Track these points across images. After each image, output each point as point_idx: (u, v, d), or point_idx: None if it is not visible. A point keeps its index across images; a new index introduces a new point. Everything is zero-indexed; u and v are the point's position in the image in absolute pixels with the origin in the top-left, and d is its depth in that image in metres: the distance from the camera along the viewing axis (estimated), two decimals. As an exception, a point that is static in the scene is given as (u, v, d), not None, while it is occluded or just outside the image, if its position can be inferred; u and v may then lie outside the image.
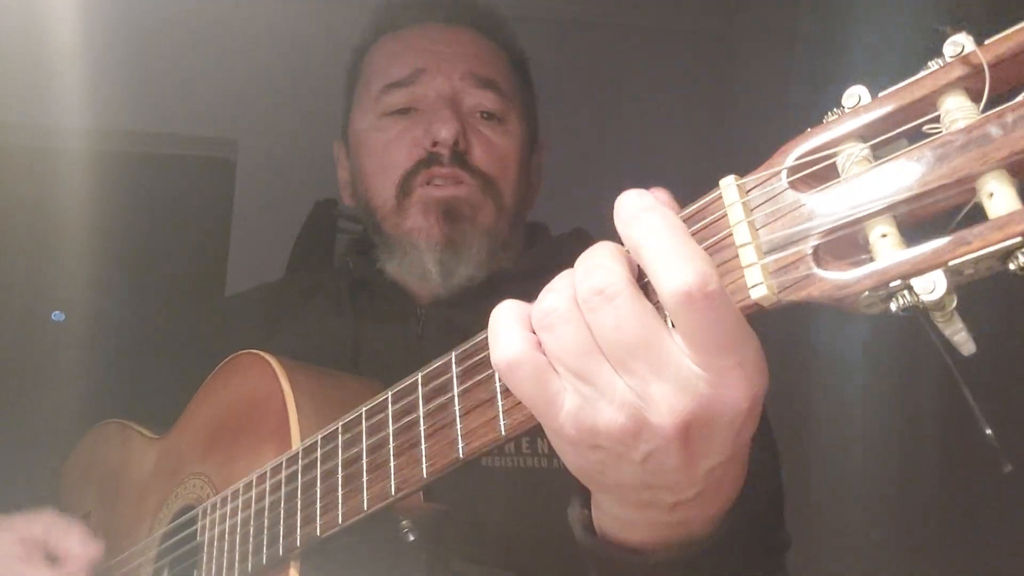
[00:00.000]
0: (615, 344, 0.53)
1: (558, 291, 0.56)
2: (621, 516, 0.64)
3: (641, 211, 0.53)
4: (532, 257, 1.29)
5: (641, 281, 0.55)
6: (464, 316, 1.16)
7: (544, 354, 0.56)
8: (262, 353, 1.00)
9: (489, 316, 0.60)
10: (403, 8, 1.33)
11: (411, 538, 0.84)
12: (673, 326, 0.53)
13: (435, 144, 1.19)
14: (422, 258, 1.19)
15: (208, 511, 0.97)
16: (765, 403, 1.03)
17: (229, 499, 0.94)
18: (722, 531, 0.64)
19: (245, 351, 1.03)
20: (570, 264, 1.20)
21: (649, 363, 0.52)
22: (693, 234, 0.54)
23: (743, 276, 0.51)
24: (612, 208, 0.56)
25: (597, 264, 0.54)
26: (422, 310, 1.21)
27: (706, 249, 0.54)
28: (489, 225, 1.21)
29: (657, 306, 0.54)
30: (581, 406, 0.55)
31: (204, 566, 0.95)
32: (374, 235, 1.27)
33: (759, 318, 0.53)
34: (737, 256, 0.52)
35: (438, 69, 1.24)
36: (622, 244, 0.60)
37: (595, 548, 0.68)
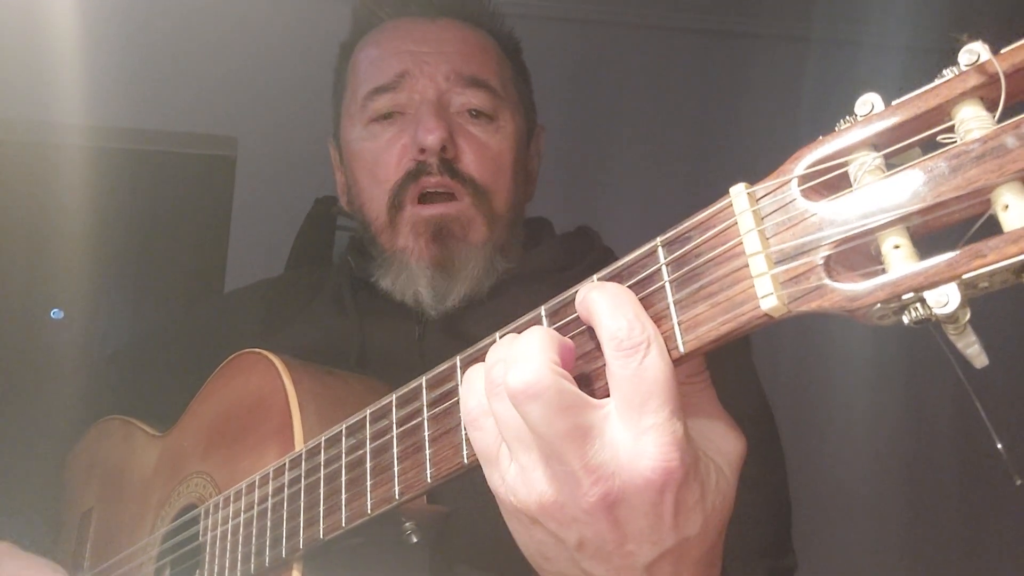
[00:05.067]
0: (542, 435, 0.56)
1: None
2: None
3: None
4: (535, 257, 1.24)
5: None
6: (466, 318, 1.15)
7: None
8: (265, 352, 1.00)
9: (491, 318, 0.60)
10: (382, 3, 1.28)
11: (414, 540, 0.84)
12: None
13: (423, 151, 1.14)
14: (414, 279, 1.15)
15: (211, 511, 0.97)
16: (774, 416, 1.01)
17: (232, 499, 0.93)
18: None
19: (248, 350, 1.03)
20: (571, 264, 1.19)
21: (576, 447, 0.55)
22: (702, 243, 0.54)
23: (753, 286, 0.51)
24: (616, 207, 0.55)
25: (521, 357, 0.57)
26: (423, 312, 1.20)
27: (715, 258, 0.53)
28: (482, 239, 1.16)
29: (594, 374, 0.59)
30: (518, 472, 0.59)
31: (206, 566, 0.95)
32: (370, 247, 1.23)
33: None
34: (747, 266, 0.51)
35: (421, 71, 1.18)
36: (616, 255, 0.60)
37: None
